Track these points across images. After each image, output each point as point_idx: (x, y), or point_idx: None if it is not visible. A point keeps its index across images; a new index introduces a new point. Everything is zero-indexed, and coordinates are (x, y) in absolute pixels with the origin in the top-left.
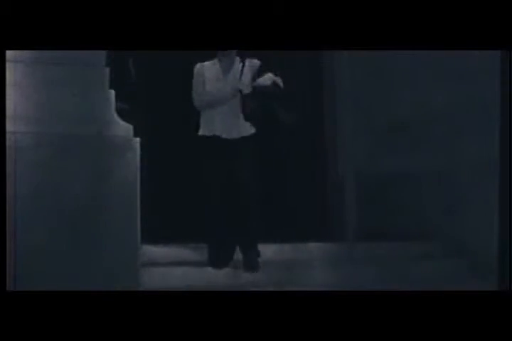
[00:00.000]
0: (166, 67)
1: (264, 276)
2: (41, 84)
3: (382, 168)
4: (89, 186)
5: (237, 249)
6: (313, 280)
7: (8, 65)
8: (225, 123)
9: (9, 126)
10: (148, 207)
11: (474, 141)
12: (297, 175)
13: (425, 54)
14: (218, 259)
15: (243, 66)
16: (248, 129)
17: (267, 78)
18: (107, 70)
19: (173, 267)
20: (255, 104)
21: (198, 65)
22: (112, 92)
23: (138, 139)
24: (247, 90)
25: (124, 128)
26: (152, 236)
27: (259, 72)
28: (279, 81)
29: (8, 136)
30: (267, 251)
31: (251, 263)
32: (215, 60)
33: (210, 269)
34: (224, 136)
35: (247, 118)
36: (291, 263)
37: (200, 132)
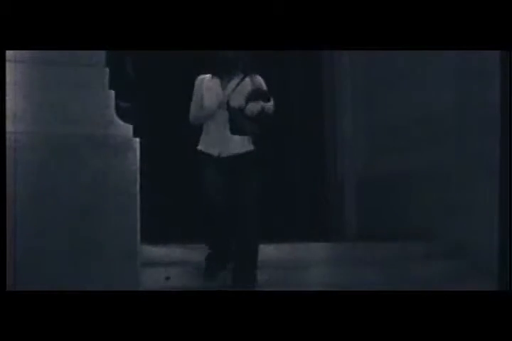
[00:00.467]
0: (166, 67)
1: (264, 276)
2: (41, 84)
3: (382, 168)
4: (89, 186)
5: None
6: (313, 280)
7: (8, 65)
8: (222, 140)
9: (9, 126)
10: (148, 207)
11: (474, 141)
12: (297, 175)
13: (425, 54)
14: (212, 265)
15: (241, 81)
16: (246, 146)
17: (258, 107)
18: (107, 70)
19: (173, 267)
20: (246, 121)
21: (199, 79)
22: (112, 92)
23: (138, 139)
24: (237, 106)
25: (124, 128)
26: (152, 236)
27: (255, 93)
28: (268, 105)
29: (8, 136)
30: (267, 251)
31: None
32: (214, 75)
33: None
34: (219, 153)
35: (241, 134)
36: (291, 263)
37: (199, 147)
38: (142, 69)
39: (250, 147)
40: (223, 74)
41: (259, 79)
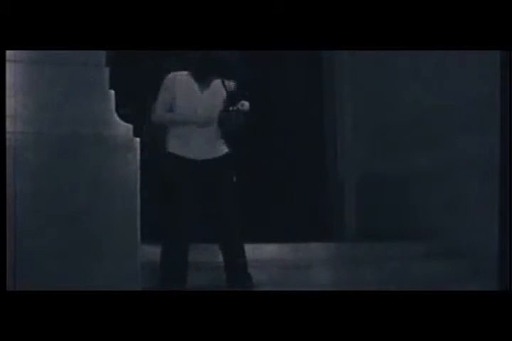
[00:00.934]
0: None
1: (264, 276)
2: (41, 84)
3: (382, 168)
4: (89, 186)
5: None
6: (313, 280)
7: (8, 65)
8: (197, 143)
9: (9, 126)
10: (148, 207)
11: (474, 141)
12: (297, 175)
13: (425, 54)
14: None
15: (216, 83)
16: (221, 149)
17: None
18: (107, 70)
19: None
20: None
21: (170, 76)
22: (112, 92)
23: (138, 139)
24: (212, 109)
25: (124, 128)
26: (152, 236)
27: (230, 97)
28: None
29: (8, 136)
30: (268, 251)
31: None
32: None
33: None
34: (197, 157)
35: (217, 137)
36: (291, 263)
37: (170, 149)
38: (141, 69)
39: (225, 150)
40: (198, 74)
41: (232, 84)
